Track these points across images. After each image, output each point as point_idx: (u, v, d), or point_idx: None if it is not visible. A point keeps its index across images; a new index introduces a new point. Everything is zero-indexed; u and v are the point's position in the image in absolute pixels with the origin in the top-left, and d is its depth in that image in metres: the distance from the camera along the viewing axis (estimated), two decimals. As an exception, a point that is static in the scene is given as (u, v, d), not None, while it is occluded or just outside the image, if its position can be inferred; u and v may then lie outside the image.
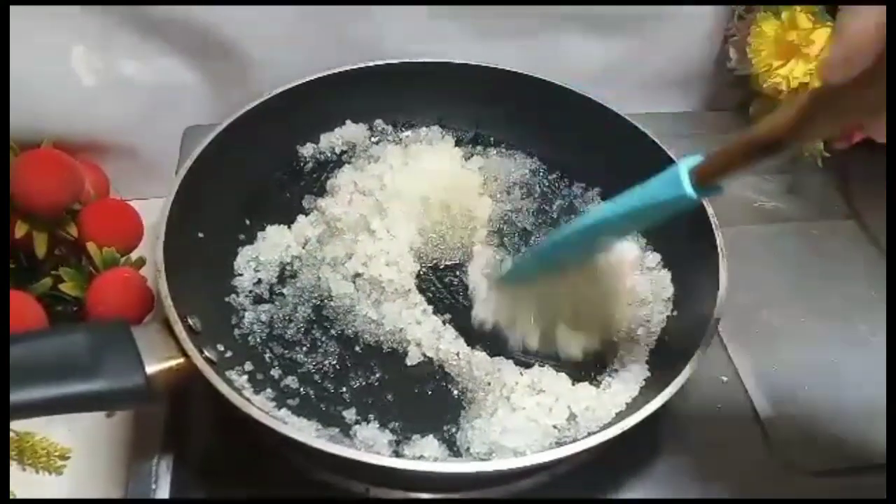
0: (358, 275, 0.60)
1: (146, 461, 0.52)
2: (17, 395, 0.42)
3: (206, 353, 0.48)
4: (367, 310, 0.58)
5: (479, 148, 0.73)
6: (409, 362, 0.56)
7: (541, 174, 0.70)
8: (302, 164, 0.69)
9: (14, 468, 0.59)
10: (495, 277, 0.59)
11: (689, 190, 0.41)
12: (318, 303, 0.60)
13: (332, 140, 0.70)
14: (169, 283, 0.50)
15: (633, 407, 0.52)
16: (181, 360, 0.46)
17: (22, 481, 0.58)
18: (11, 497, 0.57)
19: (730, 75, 0.83)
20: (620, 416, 0.52)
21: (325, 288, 0.60)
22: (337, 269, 0.61)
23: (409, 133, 0.72)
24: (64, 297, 0.63)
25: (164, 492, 0.51)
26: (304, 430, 0.48)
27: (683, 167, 0.42)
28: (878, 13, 0.29)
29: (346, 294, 0.59)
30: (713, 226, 0.57)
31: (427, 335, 0.57)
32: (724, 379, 0.62)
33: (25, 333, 0.47)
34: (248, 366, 0.54)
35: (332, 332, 0.58)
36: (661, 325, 0.59)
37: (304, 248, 0.63)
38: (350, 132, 0.70)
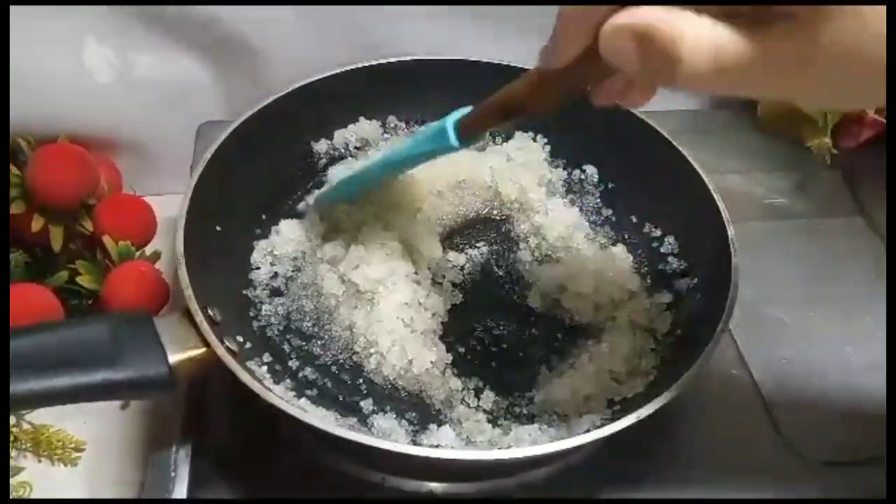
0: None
1: (165, 450, 0.53)
2: (41, 383, 0.43)
3: (227, 344, 0.48)
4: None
5: (490, 144, 0.73)
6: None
7: (552, 170, 0.71)
8: (316, 160, 0.69)
9: (30, 460, 0.59)
10: (315, 201, 0.64)
11: (453, 141, 0.49)
12: (317, 300, 0.60)
13: (346, 136, 0.70)
14: (189, 275, 0.50)
15: (645, 398, 0.52)
16: (203, 349, 0.47)
17: (37, 473, 0.58)
18: (26, 487, 0.57)
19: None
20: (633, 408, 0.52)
21: (320, 286, 0.60)
22: (333, 268, 0.60)
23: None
24: (79, 291, 0.63)
25: (183, 480, 0.51)
26: (325, 419, 0.49)
27: (449, 123, 0.49)
28: (581, 12, 0.35)
29: (333, 294, 0.59)
30: (725, 220, 0.58)
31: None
32: (734, 372, 0.62)
33: (49, 323, 0.48)
34: (267, 357, 0.55)
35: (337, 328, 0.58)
36: (672, 318, 0.59)
37: (309, 243, 0.63)
38: (363, 129, 0.71)
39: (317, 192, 0.66)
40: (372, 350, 0.55)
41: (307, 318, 0.59)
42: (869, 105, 0.64)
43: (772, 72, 0.31)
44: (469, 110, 0.49)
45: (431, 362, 0.55)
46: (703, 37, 0.30)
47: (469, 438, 0.51)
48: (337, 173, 0.66)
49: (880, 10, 0.29)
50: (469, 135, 0.49)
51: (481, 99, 0.70)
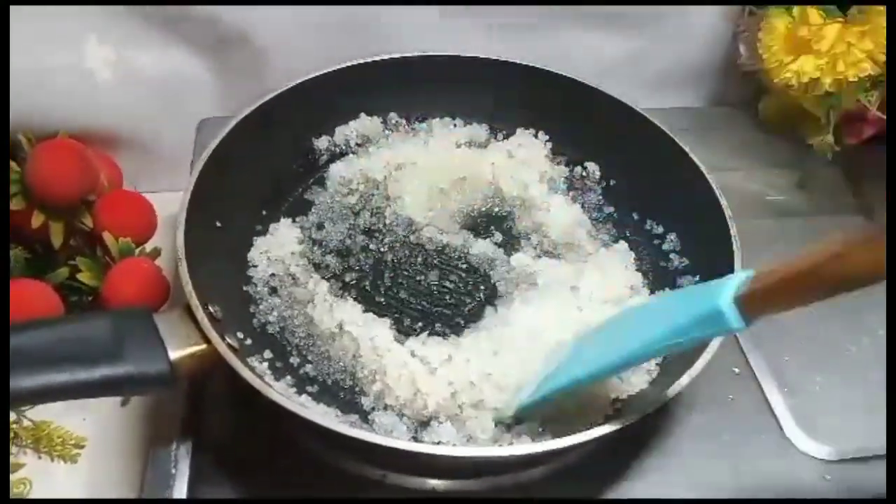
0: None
1: (165, 447, 0.52)
2: (41, 379, 0.43)
3: (228, 341, 0.48)
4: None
5: (492, 141, 0.73)
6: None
7: (554, 167, 0.71)
8: (317, 157, 0.69)
9: (30, 456, 0.59)
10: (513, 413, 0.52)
11: (736, 324, 0.37)
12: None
13: (347, 133, 0.70)
14: (189, 271, 0.50)
15: (648, 397, 0.52)
16: (204, 346, 0.47)
17: (37, 469, 0.58)
18: (26, 484, 0.57)
19: (738, 71, 0.83)
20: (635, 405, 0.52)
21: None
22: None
23: (423, 126, 0.73)
24: (80, 287, 0.63)
25: (183, 477, 0.51)
26: (326, 416, 0.49)
27: (726, 300, 0.37)
28: None
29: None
30: (728, 217, 0.58)
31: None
32: (736, 370, 0.62)
33: (49, 319, 0.48)
34: (268, 353, 0.54)
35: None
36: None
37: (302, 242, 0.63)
38: (364, 125, 0.71)
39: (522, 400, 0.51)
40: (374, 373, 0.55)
41: (301, 325, 0.58)
42: None
43: None
44: (752, 275, 0.37)
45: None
46: None
47: (471, 435, 0.51)
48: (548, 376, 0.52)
49: None
50: (760, 314, 0.37)
51: (483, 94, 0.71)
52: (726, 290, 0.37)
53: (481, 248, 0.64)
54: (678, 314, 0.40)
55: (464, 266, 0.63)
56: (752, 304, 0.37)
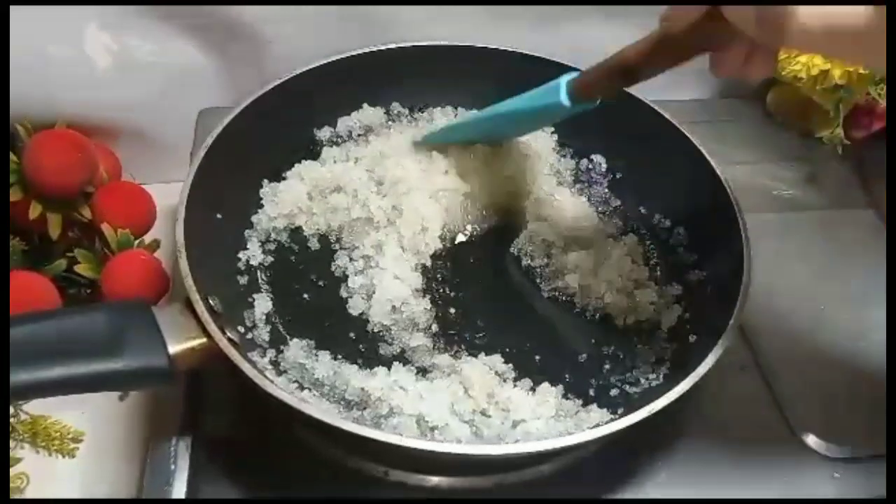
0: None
1: (164, 442, 0.52)
2: (39, 373, 0.42)
3: (229, 334, 0.47)
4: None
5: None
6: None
7: (562, 159, 0.70)
8: (319, 147, 0.68)
9: (27, 450, 0.59)
10: (418, 139, 0.65)
11: (564, 100, 0.48)
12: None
13: (350, 123, 0.69)
14: (189, 264, 0.49)
15: (656, 393, 0.51)
16: (203, 340, 0.46)
17: (35, 464, 0.58)
18: (23, 479, 0.56)
19: (747, 63, 0.82)
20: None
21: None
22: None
23: (424, 116, 0.72)
24: (78, 280, 0.63)
25: (182, 472, 0.51)
26: (328, 412, 0.48)
27: (563, 80, 0.49)
28: None
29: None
30: (737, 211, 0.57)
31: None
32: (745, 367, 0.61)
33: (45, 312, 0.47)
34: (269, 347, 0.54)
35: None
36: (682, 311, 0.58)
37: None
38: (367, 115, 0.70)
39: (423, 134, 0.66)
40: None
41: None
42: None
43: (880, 37, 0.31)
44: (579, 73, 0.48)
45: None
46: None
47: (476, 433, 0.50)
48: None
49: None
50: (583, 96, 0.49)
51: (486, 84, 0.71)
52: (563, 77, 0.49)
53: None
54: (527, 95, 0.54)
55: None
56: (580, 89, 0.49)
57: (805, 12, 0.32)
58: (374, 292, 0.57)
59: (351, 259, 0.60)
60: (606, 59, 0.47)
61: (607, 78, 0.47)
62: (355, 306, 0.58)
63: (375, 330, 0.57)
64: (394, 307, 0.57)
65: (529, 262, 0.63)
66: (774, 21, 0.33)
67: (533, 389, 0.53)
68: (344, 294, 0.59)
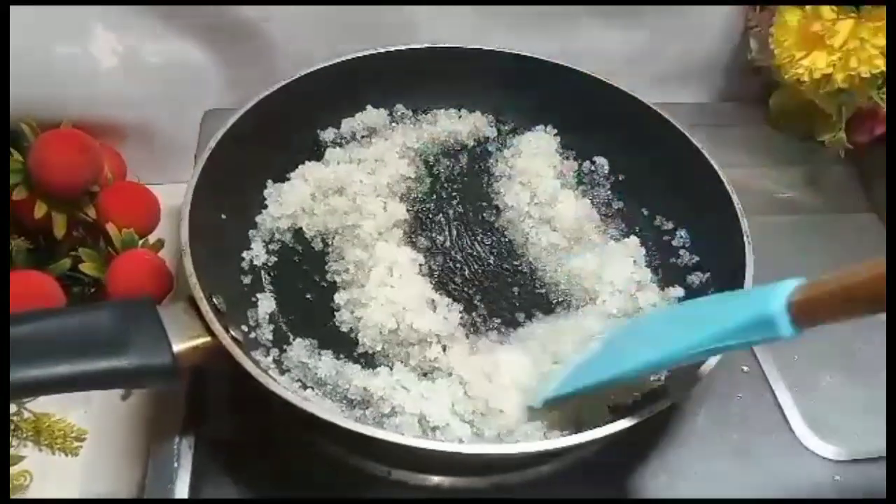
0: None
1: (167, 441, 0.52)
2: (42, 371, 0.42)
3: (232, 333, 0.47)
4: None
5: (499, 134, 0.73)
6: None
7: (563, 161, 0.70)
8: (322, 149, 0.68)
9: (30, 448, 0.59)
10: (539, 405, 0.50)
11: (788, 331, 0.35)
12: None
13: (353, 125, 0.70)
14: (193, 263, 0.49)
15: (657, 395, 0.52)
16: (207, 338, 0.46)
17: (38, 462, 0.58)
18: (27, 476, 0.57)
19: (749, 66, 0.82)
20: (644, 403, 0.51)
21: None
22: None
23: (427, 117, 0.72)
24: (82, 279, 0.63)
25: (185, 471, 0.51)
26: (331, 411, 0.48)
27: (778, 306, 0.35)
28: None
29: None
30: (739, 214, 0.57)
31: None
32: (745, 368, 0.61)
33: (50, 310, 0.47)
34: (273, 346, 0.54)
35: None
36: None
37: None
38: (371, 117, 0.70)
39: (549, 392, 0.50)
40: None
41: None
42: None
43: None
44: (805, 283, 0.36)
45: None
46: None
47: (477, 432, 0.50)
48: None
49: None
50: (811, 323, 0.36)
51: (489, 87, 0.71)
52: (778, 296, 0.36)
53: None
54: (726, 317, 0.39)
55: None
56: (805, 312, 0.35)
57: None
58: (361, 318, 0.55)
59: (340, 272, 0.60)
60: (849, 271, 0.33)
61: (849, 304, 0.34)
62: (342, 321, 0.57)
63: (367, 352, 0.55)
64: (381, 332, 0.55)
65: (531, 263, 0.63)
66: None
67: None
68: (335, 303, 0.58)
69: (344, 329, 0.56)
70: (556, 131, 0.71)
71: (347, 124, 0.70)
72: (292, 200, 0.62)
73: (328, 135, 0.69)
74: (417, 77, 0.70)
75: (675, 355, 0.42)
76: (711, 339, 0.39)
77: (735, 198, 0.58)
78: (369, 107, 0.70)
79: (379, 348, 0.55)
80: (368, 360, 0.55)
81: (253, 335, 0.54)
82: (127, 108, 0.72)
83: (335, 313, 0.57)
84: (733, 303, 0.39)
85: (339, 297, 0.57)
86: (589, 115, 0.67)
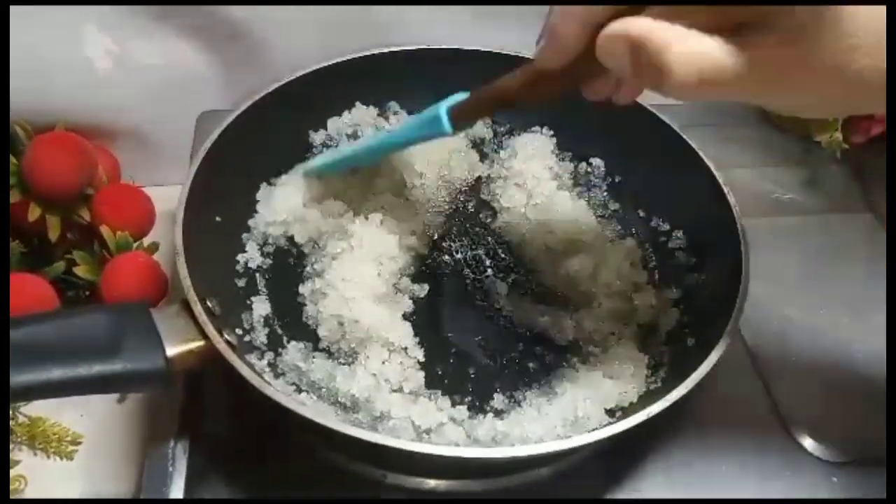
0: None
1: (162, 445, 0.52)
2: (37, 375, 0.42)
3: (226, 337, 0.47)
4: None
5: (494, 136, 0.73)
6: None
7: (559, 163, 0.70)
8: (315, 151, 0.68)
9: (25, 453, 0.59)
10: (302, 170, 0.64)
11: (447, 127, 0.50)
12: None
13: (342, 127, 0.69)
14: (188, 266, 0.49)
15: (655, 396, 0.51)
16: (201, 342, 0.46)
17: (33, 466, 0.58)
18: (21, 481, 0.56)
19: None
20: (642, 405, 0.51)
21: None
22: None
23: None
24: (76, 282, 0.63)
25: (180, 475, 0.51)
26: (325, 415, 0.48)
27: (443, 109, 0.50)
28: (582, 15, 0.37)
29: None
30: (735, 215, 0.57)
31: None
32: (742, 370, 0.61)
33: (44, 313, 0.47)
34: (267, 350, 0.54)
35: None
36: (681, 314, 0.58)
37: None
38: (362, 118, 0.70)
39: (302, 165, 0.64)
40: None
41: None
42: (850, 113, 0.67)
43: (754, 82, 0.34)
44: (462, 97, 0.50)
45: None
46: (690, 49, 0.32)
47: (474, 437, 0.50)
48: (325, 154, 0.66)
49: (875, 23, 0.32)
50: (462, 121, 0.50)
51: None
52: (444, 103, 0.50)
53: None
54: (419, 120, 0.53)
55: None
56: (458, 115, 0.49)
57: (679, 66, 0.32)
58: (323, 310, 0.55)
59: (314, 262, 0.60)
60: (484, 87, 0.48)
61: (485, 106, 0.49)
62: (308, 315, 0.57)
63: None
64: (340, 323, 0.54)
65: (527, 264, 0.62)
66: (651, 73, 0.33)
67: (529, 390, 0.53)
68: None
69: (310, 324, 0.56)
70: (552, 133, 0.70)
71: (337, 125, 0.69)
72: (282, 207, 0.61)
73: (319, 136, 0.69)
74: (411, 78, 0.69)
75: (382, 140, 0.59)
76: (403, 132, 0.56)
77: (732, 198, 0.58)
78: (361, 108, 0.70)
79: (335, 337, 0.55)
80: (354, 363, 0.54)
81: (247, 338, 0.54)
82: (121, 110, 0.72)
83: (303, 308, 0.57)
84: (426, 114, 0.52)
85: (304, 288, 0.58)
86: (585, 116, 0.67)
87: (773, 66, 0.33)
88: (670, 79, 0.33)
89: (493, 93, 0.47)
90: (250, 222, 0.62)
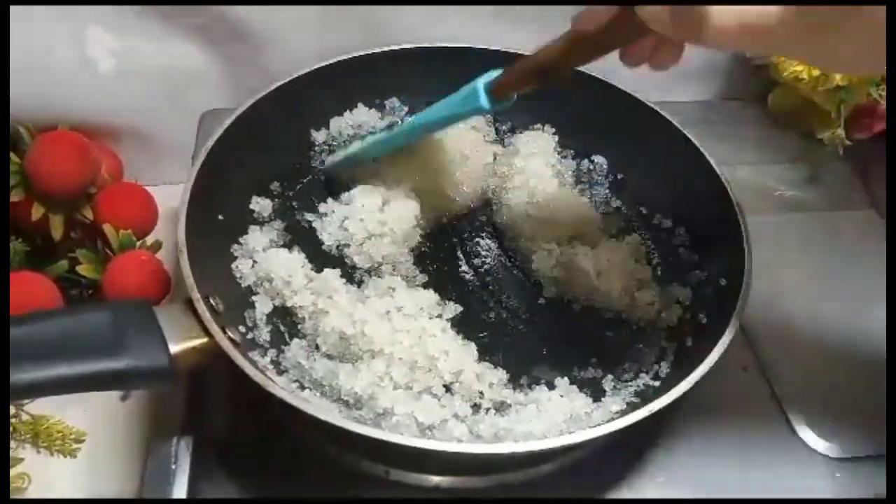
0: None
1: (166, 442, 0.52)
2: (40, 372, 0.42)
3: (230, 334, 0.47)
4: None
5: (497, 133, 0.73)
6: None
7: (561, 160, 0.70)
8: (317, 150, 0.68)
9: (28, 451, 0.59)
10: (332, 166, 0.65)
11: (485, 102, 0.50)
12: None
13: (343, 126, 0.69)
14: (190, 264, 0.49)
15: (657, 393, 0.52)
16: (205, 339, 0.46)
17: (36, 464, 0.58)
18: (25, 479, 0.56)
19: (748, 65, 0.82)
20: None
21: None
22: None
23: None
24: (79, 280, 0.63)
25: (183, 472, 0.51)
26: (328, 411, 0.48)
27: (481, 84, 0.50)
28: None
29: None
30: (738, 212, 0.57)
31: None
32: (745, 367, 0.61)
33: (48, 311, 0.47)
34: (270, 347, 0.54)
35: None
36: (683, 311, 0.58)
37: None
38: (363, 117, 0.70)
39: (331, 157, 0.66)
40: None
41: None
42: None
43: (795, 34, 0.32)
44: (499, 72, 0.50)
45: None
46: None
47: (476, 433, 0.50)
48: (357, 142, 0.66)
49: None
50: (501, 96, 0.50)
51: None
52: (481, 78, 0.50)
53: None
54: (457, 98, 0.53)
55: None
56: (498, 90, 0.50)
57: (719, 13, 0.32)
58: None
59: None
60: (522, 59, 0.48)
61: (524, 79, 0.49)
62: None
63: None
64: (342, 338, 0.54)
65: (529, 262, 0.62)
66: (690, 23, 0.33)
67: (531, 389, 0.53)
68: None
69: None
70: (553, 130, 0.70)
71: (338, 124, 0.69)
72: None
73: (321, 135, 0.69)
74: (412, 76, 0.69)
75: (417, 121, 0.59)
76: (440, 109, 0.55)
77: (734, 196, 0.58)
78: (362, 107, 0.70)
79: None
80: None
81: (250, 336, 0.54)
82: (124, 109, 0.72)
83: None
84: (463, 92, 0.52)
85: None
86: (587, 113, 0.67)
87: (821, 12, 0.32)
88: (709, 25, 0.32)
89: (533, 62, 0.47)
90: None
